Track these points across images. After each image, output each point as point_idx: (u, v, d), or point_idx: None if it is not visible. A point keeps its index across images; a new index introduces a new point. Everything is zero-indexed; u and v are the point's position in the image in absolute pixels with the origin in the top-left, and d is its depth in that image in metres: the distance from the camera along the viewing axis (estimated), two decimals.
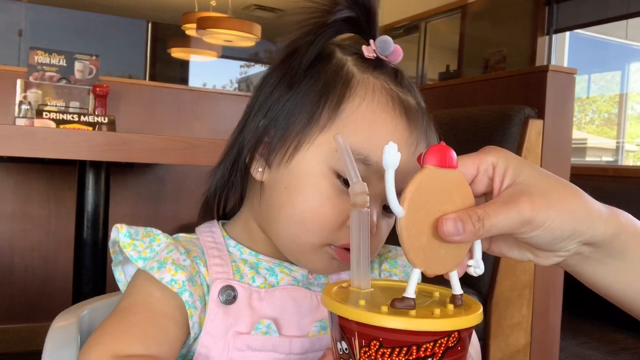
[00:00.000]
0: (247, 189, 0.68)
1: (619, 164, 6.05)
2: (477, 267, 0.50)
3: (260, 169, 0.64)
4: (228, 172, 0.67)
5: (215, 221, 0.70)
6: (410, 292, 0.44)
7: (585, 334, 3.47)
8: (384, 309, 0.43)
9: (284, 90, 0.63)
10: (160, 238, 0.63)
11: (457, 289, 0.47)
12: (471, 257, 0.50)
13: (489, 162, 0.51)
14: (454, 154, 0.47)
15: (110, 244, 0.65)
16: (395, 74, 0.64)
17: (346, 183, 0.58)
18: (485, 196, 0.53)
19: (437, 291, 0.51)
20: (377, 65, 0.63)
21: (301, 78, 0.62)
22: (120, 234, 0.63)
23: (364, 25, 0.63)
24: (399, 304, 0.43)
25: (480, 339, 1.76)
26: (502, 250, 0.55)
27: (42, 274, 2.68)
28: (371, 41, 0.64)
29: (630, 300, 0.54)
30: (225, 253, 0.65)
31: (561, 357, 2.18)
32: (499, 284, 1.76)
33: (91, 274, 1.74)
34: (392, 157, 0.43)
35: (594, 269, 0.53)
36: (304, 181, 0.60)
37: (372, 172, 0.58)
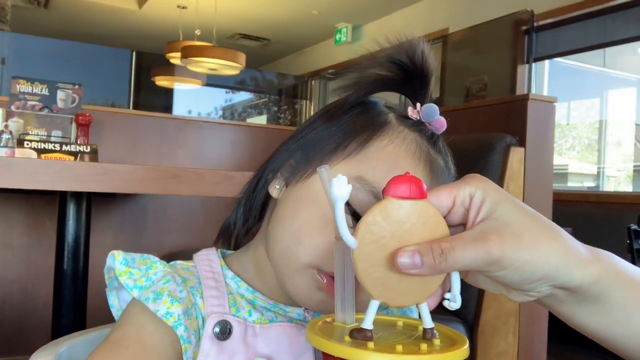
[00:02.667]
0: (265, 214, 0.68)
1: (600, 189, 6.12)
2: (453, 301, 0.48)
3: (277, 186, 0.64)
4: (252, 190, 0.68)
5: (213, 249, 0.69)
6: (368, 323, 0.43)
7: None
8: (370, 345, 0.42)
9: (321, 122, 0.65)
10: (157, 266, 0.62)
11: (427, 322, 0.46)
12: (448, 290, 0.48)
13: (466, 193, 0.48)
14: (422, 184, 0.45)
15: (105, 270, 0.64)
16: (432, 136, 0.64)
17: (354, 215, 0.57)
18: (463, 226, 0.50)
19: (421, 325, 0.50)
20: (418, 124, 0.64)
21: (341, 114, 0.64)
22: (116, 260, 0.62)
23: (417, 88, 0.63)
24: (357, 334, 0.43)
25: None
26: (478, 281, 0.52)
27: (22, 306, 2.62)
28: (418, 105, 0.64)
29: (610, 341, 0.52)
30: (222, 284, 0.64)
31: None
32: (484, 312, 1.75)
33: (71, 306, 1.70)
34: (340, 190, 0.42)
35: (571, 310, 0.50)
36: (313, 198, 0.60)
37: None
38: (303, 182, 0.61)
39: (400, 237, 0.44)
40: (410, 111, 0.64)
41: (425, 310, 0.46)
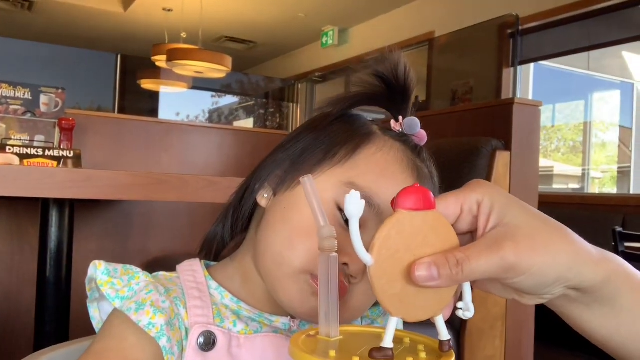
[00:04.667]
0: (251, 224, 0.68)
1: (585, 191, 6.17)
2: (466, 310, 0.47)
3: (265, 195, 0.65)
4: (239, 200, 0.68)
5: (197, 260, 0.69)
6: (388, 342, 0.42)
7: None
8: (355, 359, 0.41)
9: (307, 133, 0.66)
10: (140, 276, 0.61)
11: (444, 334, 0.45)
12: (460, 299, 0.48)
13: (474, 200, 0.48)
14: (430, 194, 0.45)
15: (87, 280, 0.63)
16: (415, 147, 0.66)
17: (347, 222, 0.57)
18: (470, 234, 0.50)
19: (407, 337, 0.49)
20: (400, 135, 0.65)
21: (327, 125, 0.65)
22: (97, 271, 0.60)
23: (399, 102, 0.65)
24: (377, 354, 0.41)
25: None
26: (487, 288, 0.52)
27: (4, 313, 2.58)
28: (400, 118, 0.65)
29: (616, 345, 0.52)
30: (206, 294, 0.63)
31: None
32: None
33: (54, 313, 1.68)
34: (354, 206, 0.41)
35: (580, 313, 0.51)
36: (304, 204, 0.58)
37: (374, 213, 0.59)
38: (292, 189, 0.61)
39: (415, 250, 0.44)
40: (393, 124, 0.66)
41: (442, 323, 0.46)
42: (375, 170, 0.61)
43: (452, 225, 0.47)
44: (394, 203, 0.44)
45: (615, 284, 0.48)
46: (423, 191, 0.45)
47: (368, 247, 0.42)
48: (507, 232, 0.46)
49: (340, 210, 0.59)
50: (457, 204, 0.48)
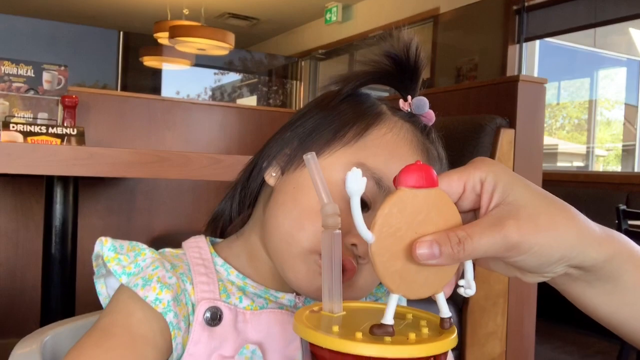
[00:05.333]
0: (258, 201, 0.68)
1: (589, 169, 6.16)
2: (468, 288, 0.47)
3: (273, 174, 0.64)
4: (247, 178, 0.68)
5: (202, 237, 0.69)
6: (389, 319, 0.42)
7: (560, 339, 3.51)
8: (358, 335, 0.41)
9: (316, 111, 0.65)
10: (146, 253, 0.62)
11: (445, 311, 0.45)
12: (462, 277, 0.48)
13: (477, 178, 0.48)
14: (432, 172, 0.45)
15: (93, 257, 0.63)
16: (424, 127, 0.66)
17: (361, 202, 0.57)
18: (473, 212, 0.50)
19: (410, 313, 0.49)
20: (409, 116, 0.65)
21: (336, 104, 0.65)
22: (104, 247, 0.61)
23: (408, 81, 0.65)
24: (377, 330, 0.42)
25: (455, 348, 1.76)
26: (489, 266, 0.52)
27: (10, 289, 2.61)
28: (409, 97, 0.65)
29: (618, 323, 0.52)
30: (212, 270, 0.63)
31: None
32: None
33: (60, 289, 1.69)
34: (356, 184, 0.41)
35: (582, 290, 0.51)
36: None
37: (383, 195, 0.59)
38: (301, 169, 0.61)
39: (417, 228, 0.43)
40: (402, 104, 0.65)
41: (443, 300, 0.46)
42: (385, 152, 0.61)
43: (455, 204, 0.47)
44: (396, 181, 0.44)
45: (619, 262, 0.48)
46: (425, 169, 0.44)
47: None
48: (510, 210, 0.45)
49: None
50: (460, 182, 0.48)
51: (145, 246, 0.63)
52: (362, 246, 0.57)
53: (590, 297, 0.51)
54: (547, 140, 6.56)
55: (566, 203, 0.48)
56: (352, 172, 0.41)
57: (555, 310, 3.18)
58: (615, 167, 6.51)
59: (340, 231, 0.47)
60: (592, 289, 0.50)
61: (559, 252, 0.46)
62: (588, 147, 6.42)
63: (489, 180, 0.47)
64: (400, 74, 0.64)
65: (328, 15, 7.38)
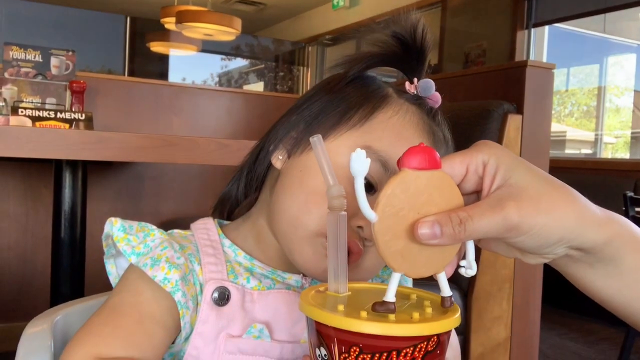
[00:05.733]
0: (265, 184, 0.69)
1: (598, 156, 6.13)
2: (469, 268, 0.48)
3: (280, 157, 0.65)
4: (254, 161, 0.68)
5: (210, 219, 0.70)
6: (390, 296, 0.43)
7: (564, 325, 3.51)
8: (363, 314, 0.42)
9: (322, 94, 0.66)
10: (155, 233, 0.63)
11: (445, 290, 0.46)
12: (463, 257, 0.49)
13: (479, 161, 0.48)
14: (435, 154, 0.45)
15: (103, 237, 0.64)
16: (430, 110, 0.66)
17: (366, 185, 0.58)
18: (476, 194, 0.51)
19: (414, 293, 0.50)
20: (415, 98, 0.65)
21: (342, 87, 0.65)
22: (114, 227, 0.62)
23: (414, 64, 0.65)
24: (379, 307, 0.43)
25: (461, 333, 1.77)
26: (490, 246, 0.53)
27: (20, 273, 2.64)
28: (415, 80, 0.65)
29: (619, 305, 0.52)
30: (220, 251, 0.64)
31: (541, 349, 2.20)
32: (479, 279, 1.77)
33: (69, 273, 1.71)
34: (360, 165, 0.42)
35: (584, 272, 0.51)
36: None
37: (389, 176, 0.59)
38: (308, 152, 0.62)
39: (419, 209, 0.44)
40: (408, 86, 0.65)
41: (444, 279, 0.47)
42: (392, 134, 0.61)
43: (458, 186, 0.48)
44: (399, 162, 0.45)
45: (619, 244, 0.48)
46: (428, 150, 0.45)
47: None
48: (511, 192, 0.46)
49: None
50: (463, 164, 0.48)
51: (154, 227, 0.64)
52: (368, 228, 0.58)
53: (592, 279, 0.51)
54: (556, 127, 6.52)
55: (568, 186, 0.49)
56: (356, 152, 0.42)
57: (561, 297, 3.19)
58: (624, 154, 6.47)
59: (345, 213, 0.48)
60: (593, 271, 0.50)
61: (558, 234, 0.46)
62: (597, 134, 6.38)
63: (491, 163, 0.48)
64: (406, 55, 0.64)
65: (335, 1, 7.34)
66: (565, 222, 0.46)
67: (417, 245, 0.44)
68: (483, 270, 1.77)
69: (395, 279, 0.44)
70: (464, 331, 1.78)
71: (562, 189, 0.48)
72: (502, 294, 1.83)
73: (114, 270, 0.67)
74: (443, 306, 0.46)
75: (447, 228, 0.44)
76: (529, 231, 0.45)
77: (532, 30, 5.10)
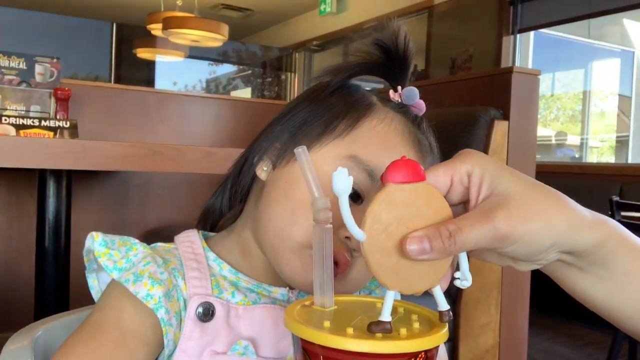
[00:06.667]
0: (249, 195, 0.68)
1: (584, 160, 6.18)
2: (464, 280, 0.48)
3: (265, 168, 0.64)
4: (238, 172, 0.67)
5: (195, 231, 0.69)
6: (386, 316, 0.42)
7: (552, 330, 3.53)
8: (350, 331, 0.41)
9: (306, 104, 0.65)
10: (138, 248, 0.61)
11: (442, 304, 0.45)
12: (457, 269, 0.48)
13: (464, 171, 0.47)
14: (419, 166, 0.45)
15: (84, 252, 0.63)
16: (415, 117, 0.65)
17: (353, 195, 0.58)
18: (463, 205, 0.50)
19: (401, 306, 0.50)
20: (400, 106, 0.65)
21: (326, 97, 0.64)
22: (95, 242, 0.61)
23: (397, 72, 0.64)
24: (375, 327, 0.42)
25: (449, 340, 1.77)
26: (482, 256, 0.52)
27: (4, 283, 2.60)
28: (399, 88, 0.65)
29: (610, 309, 0.52)
30: (204, 265, 0.63)
31: (529, 353, 2.20)
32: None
33: (54, 283, 1.69)
34: (342, 183, 0.41)
35: (575, 277, 0.51)
36: None
37: (376, 187, 0.58)
38: (292, 163, 0.61)
39: (407, 223, 0.43)
40: (392, 94, 0.65)
41: (440, 293, 0.46)
42: (377, 144, 0.61)
43: (445, 196, 0.47)
44: (383, 177, 0.44)
45: (609, 247, 0.48)
46: (411, 163, 0.44)
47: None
48: (499, 201, 0.45)
49: None
50: (447, 176, 0.48)
51: (136, 241, 0.62)
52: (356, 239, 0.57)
53: (583, 283, 0.51)
54: (542, 131, 6.57)
55: (555, 190, 0.48)
56: (338, 171, 0.41)
57: (549, 301, 3.20)
58: (609, 158, 6.53)
59: (331, 226, 0.47)
60: (585, 275, 0.50)
61: (550, 239, 0.46)
62: (582, 139, 6.44)
63: (476, 173, 0.47)
64: (389, 64, 0.63)
65: (322, 6, 7.35)
66: (556, 227, 0.46)
67: (409, 260, 0.43)
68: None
69: (390, 296, 0.43)
70: (452, 338, 1.78)
71: (549, 193, 0.47)
72: (490, 300, 1.83)
73: (96, 284, 0.65)
74: (442, 320, 0.45)
75: (436, 242, 0.43)
76: (520, 239, 0.45)
77: (518, 35, 5.14)
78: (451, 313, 0.46)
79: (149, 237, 0.65)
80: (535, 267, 0.50)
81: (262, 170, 0.64)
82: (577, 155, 6.45)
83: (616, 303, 0.51)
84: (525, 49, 5.42)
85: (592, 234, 0.47)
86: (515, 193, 0.46)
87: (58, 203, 1.62)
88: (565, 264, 0.50)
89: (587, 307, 0.53)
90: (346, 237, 0.57)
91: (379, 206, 0.42)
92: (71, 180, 1.63)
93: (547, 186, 0.48)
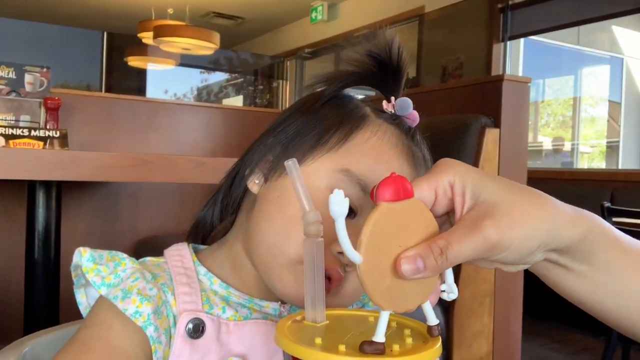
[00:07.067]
0: (241, 208, 0.67)
1: (574, 165, 6.21)
2: (450, 292, 0.48)
3: (257, 181, 0.63)
4: (229, 185, 0.66)
5: (185, 244, 0.67)
6: (380, 336, 0.41)
7: (546, 336, 3.53)
8: (342, 348, 0.41)
9: (298, 115, 0.64)
10: (126, 263, 0.60)
11: (432, 319, 0.45)
12: (443, 282, 0.48)
13: (446, 182, 0.48)
14: (408, 183, 0.44)
15: (72, 267, 0.62)
16: (409, 129, 0.65)
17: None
18: (447, 215, 0.50)
19: (394, 321, 0.49)
20: (393, 117, 0.64)
21: (318, 108, 0.63)
22: (82, 258, 0.60)
23: (391, 82, 0.64)
24: (367, 347, 0.41)
25: (443, 349, 1.76)
26: (472, 262, 0.51)
27: None
28: (392, 98, 0.64)
29: (594, 304, 0.52)
30: (194, 280, 0.62)
31: None
32: (460, 294, 1.76)
33: (43, 294, 1.67)
34: (339, 206, 0.40)
35: (559, 273, 0.51)
36: None
37: (369, 200, 0.57)
38: (285, 176, 0.60)
39: (400, 241, 0.43)
40: (385, 105, 0.64)
41: (429, 308, 0.46)
42: (371, 157, 0.60)
43: (430, 209, 0.47)
44: (374, 195, 0.43)
45: (591, 241, 0.49)
46: (401, 180, 0.44)
47: (357, 239, 0.42)
48: (485, 210, 0.46)
49: None
50: (431, 190, 0.48)
51: (125, 256, 0.61)
52: None
53: (567, 280, 0.51)
54: (532, 137, 6.60)
55: (535, 190, 0.49)
56: (335, 194, 0.40)
57: (542, 307, 3.20)
58: (600, 163, 6.56)
59: (322, 239, 0.46)
60: (568, 272, 0.51)
61: (537, 241, 0.47)
62: (573, 144, 6.47)
63: (457, 183, 0.48)
64: (382, 74, 0.63)
65: (314, 14, 7.37)
66: (540, 228, 0.46)
67: (401, 280, 0.43)
68: (464, 285, 1.77)
69: (384, 317, 0.42)
70: (445, 347, 1.77)
71: (531, 196, 0.48)
72: (483, 308, 1.83)
73: (84, 300, 0.64)
74: (431, 335, 0.45)
75: (429, 260, 0.43)
76: (510, 246, 0.45)
77: (508, 42, 5.17)
78: (439, 328, 0.45)
79: (140, 247, 0.64)
80: (523, 267, 0.51)
81: (254, 184, 0.63)
82: (568, 161, 6.49)
83: (599, 298, 0.52)
84: (516, 56, 5.45)
85: (574, 229, 0.48)
86: (498, 199, 0.46)
87: (48, 214, 1.60)
88: (551, 262, 0.50)
89: (573, 303, 0.54)
90: (339, 252, 0.57)
91: (373, 227, 0.42)
92: (61, 190, 1.62)
93: (528, 187, 0.49)
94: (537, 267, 0.51)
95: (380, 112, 0.65)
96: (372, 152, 0.60)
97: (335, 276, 0.57)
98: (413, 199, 0.45)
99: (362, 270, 0.41)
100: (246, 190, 0.65)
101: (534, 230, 0.46)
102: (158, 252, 0.67)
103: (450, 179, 0.48)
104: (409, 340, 0.44)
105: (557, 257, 0.49)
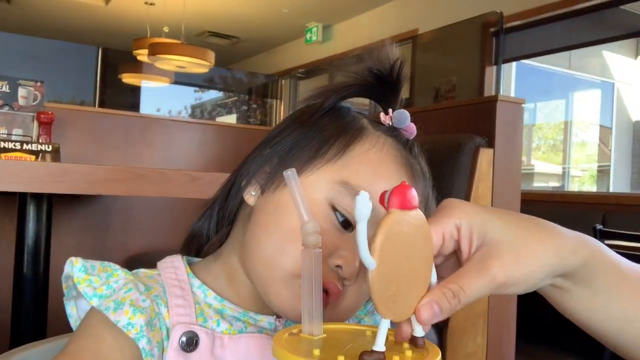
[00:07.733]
0: (236, 220, 0.66)
1: (565, 189, 6.24)
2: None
3: (253, 193, 0.62)
4: (225, 197, 0.65)
5: (179, 256, 0.66)
6: (380, 345, 0.41)
7: (537, 358, 3.50)
8: (341, 359, 0.40)
9: (295, 127, 0.64)
10: (119, 274, 0.59)
11: (418, 330, 0.46)
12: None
13: (453, 226, 0.49)
14: (415, 193, 0.45)
15: (63, 278, 0.61)
16: (406, 142, 0.65)
17: (344, 223, 0.57)
18: (455, 253, 0.52)
19: (391, 335, 0.48)
20: (391, 130, 0.64)
21: (316, 119, 0.63)
22: (74, 268, 0.58)
23: (389, 94, 0.64)
24: (368, 357, 0.41)
25: None
26: None
27: None
28: (390, 110, 0.64)
29: (595, 326, 0.54)
30: (188, 292, 0.61)
31: None
32: (453, 314, 1.75)
33: (31, 310, 1.65)
34: (364, 208, 0.40)
35: (561, 296, 0.53)
36: None
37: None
38: (282, 188, 0.59)
39: (406, 251, 0.44)
40: (383, 117, 0.64)
41: (414, 320, 0.46)
42: (369, 169, 0.60)
43: (438, 253, 0.50)
44: (384, 201, 0.43)
45: (592, 265, 0.51)
46: (409, 190, 0.44)
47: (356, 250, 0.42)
48: (491, 251, 0.48)
49: (335, 210, 0.57)
50: (439, 234, 0.49)
51: (117, 267, 0.60)
52: (347, 268, 0.56)
53: (569, 301, 0.53)
54: (524, 160, 6.63)
55: (539, 222, 0.51)
56: (361, 195, 0.40)
57: (535, 331, 3.19)
58: (591, 187, 6.60)
59: (320, 250, 0.46)
60: (572, 295, 0.53)
61: (543, 274, 0.49)
62: (564, 168, 6.52)
63: (464, 225, 0.49)
64: (381, 86, 0.63)
65: (308, 35, 7.43)
66: (545, 263, 0.48)
67: (405, 289, 0.44)
68: None
69: (385, 325, 0.42)
70: None
71: (536, 230, 0.50)
72: (477, 329, 1.82)
73: (74, 312, 0.62)
74: (415, 346, 0.45)
75: (444, 305, 0.45)
76: (516, 283, 0.48)
77: (501, 66, 5.22)
78: (434, 341, 0.46)
79: (131, 262, 0.63)
80: (528, 291, 0.52)
81: (250, 195, 0.63)
82: (558, 185, 6.52)
83: (600, 321, 0.53)
84: (508, 79, 5.51)
85: (576, 255, 0.50)
86: (503, 238, 0.48)
87: (38, 227, 1.58)
88: (555, 286, 0.52)
89: (578, 326, 0.56)
90: (337, 266, 0.56)
91: (386, 234, 0.42)
92: (52, 204, 1.60)
93: (532, 219, 0.51)
94: (544, 290, 0.53)
95: (377, 124, 0.64)
96: (371, 163, 0.60)
97: (333, 290, 0.56)
98: (417, 210, 0.45)
99: (374, 276, 0.41)
100: (242, 202, 0.64)
101: (540, 265, 0.48)
102: (149, 268, 0.66)
103: (457, 222, 0.50)
104: (409, 353, 0.43)
105: (561, 281, 0.52)
